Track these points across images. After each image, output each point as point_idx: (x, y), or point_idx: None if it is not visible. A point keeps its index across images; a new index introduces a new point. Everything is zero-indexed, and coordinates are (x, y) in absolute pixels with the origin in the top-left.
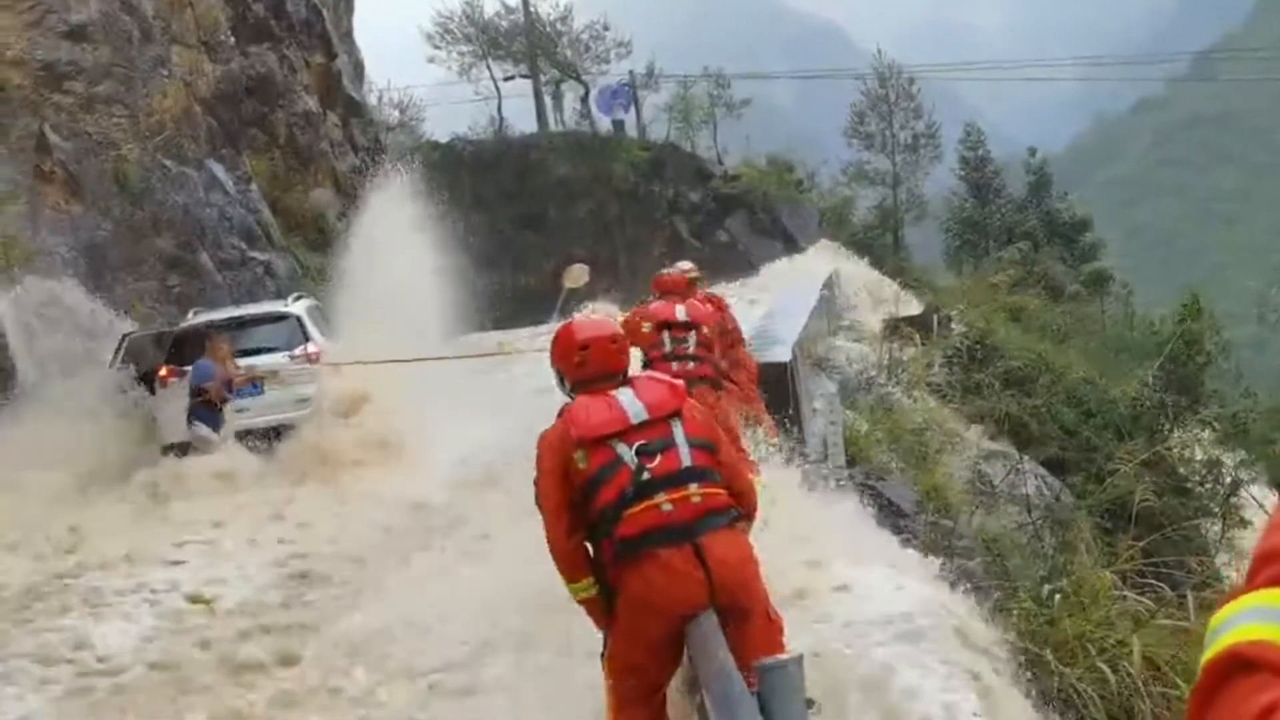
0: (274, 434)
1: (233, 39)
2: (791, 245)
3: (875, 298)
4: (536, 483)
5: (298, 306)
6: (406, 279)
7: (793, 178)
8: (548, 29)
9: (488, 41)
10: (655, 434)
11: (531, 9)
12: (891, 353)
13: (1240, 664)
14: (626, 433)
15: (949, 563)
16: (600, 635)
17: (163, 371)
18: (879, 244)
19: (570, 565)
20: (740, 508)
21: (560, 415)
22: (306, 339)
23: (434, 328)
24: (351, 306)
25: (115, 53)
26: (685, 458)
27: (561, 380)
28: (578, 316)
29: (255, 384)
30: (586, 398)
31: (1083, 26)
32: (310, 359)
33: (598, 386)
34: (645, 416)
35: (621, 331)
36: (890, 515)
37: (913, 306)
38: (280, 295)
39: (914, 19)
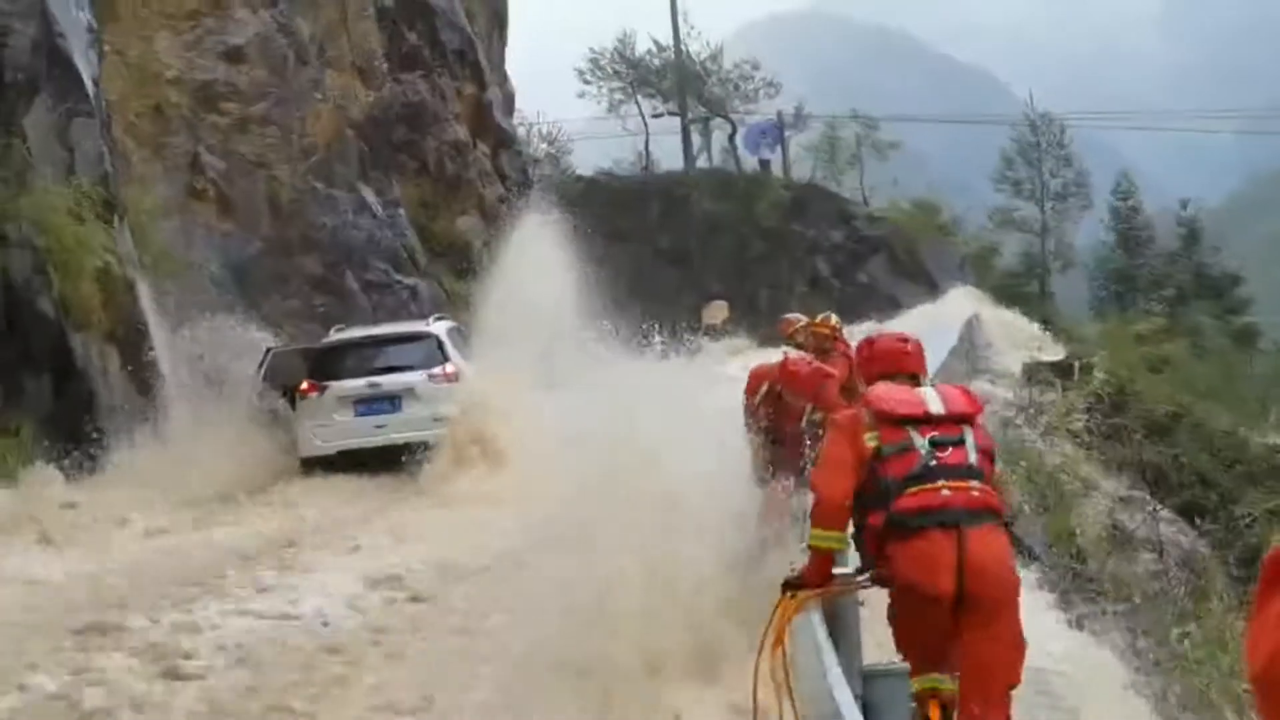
0: (408, 451)
1: (386, 65)
2: (932, 288)
3: (1016, 343)
4: (826, 439)
5: (438, 327)
6: (546, 308)
7: (938, 221)
8: (697, 67)
9: (637, 78)
10: (948, 431)
11: (682, 47)
12: (1031, 396)
13: None
14: (922, 422)
15: (1079, 604)
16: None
17: (304, 386)
18: (1025, 291)
19: (836, 517)
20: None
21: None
22: (445, 359)
23: (572, 357)
24: (491, 331)
25: (271, 74)
26: (972, 458)
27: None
28: None
29: (394, 400)
30: (888, 384)
31: (1245, 71)
32: (448, 378)
33: (894, 381)
34: (942, 410)
35: (917, 339)
36: (1021, 556)
37: (1055, 353)
38: (423, 318)
39: (1067, 55)
